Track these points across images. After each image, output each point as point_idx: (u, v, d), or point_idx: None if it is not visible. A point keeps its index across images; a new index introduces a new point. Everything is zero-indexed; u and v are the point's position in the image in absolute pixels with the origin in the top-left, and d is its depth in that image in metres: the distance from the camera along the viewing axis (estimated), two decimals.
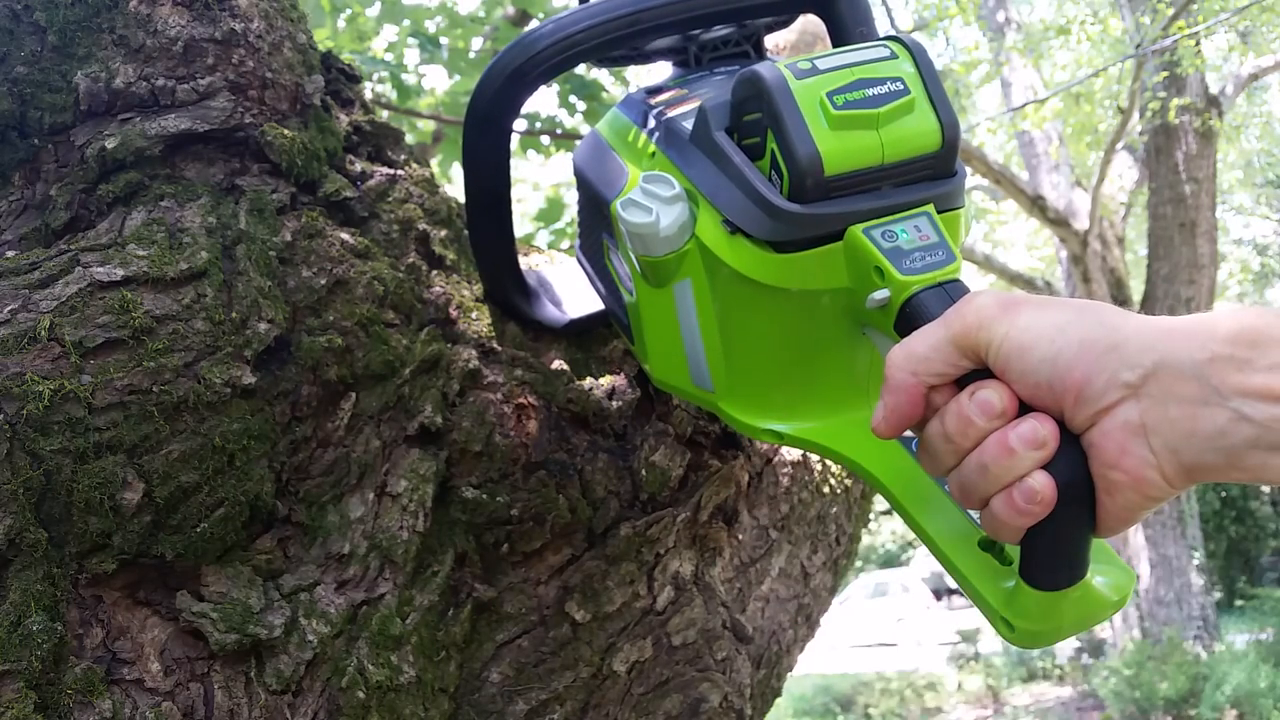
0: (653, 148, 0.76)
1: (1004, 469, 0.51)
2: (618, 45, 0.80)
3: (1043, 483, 0.50)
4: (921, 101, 0.63)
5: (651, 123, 0.77)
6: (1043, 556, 0.53)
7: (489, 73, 0.81)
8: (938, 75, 0.64)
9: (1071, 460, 0.51)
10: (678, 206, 0.68)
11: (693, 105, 0.75)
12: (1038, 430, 0.51)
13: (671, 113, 0.75)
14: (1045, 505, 0.50)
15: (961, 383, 0.55)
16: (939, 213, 0.63)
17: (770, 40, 1.15)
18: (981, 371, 0.54)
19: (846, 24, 0.85)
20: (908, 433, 0.68)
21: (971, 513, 0.62)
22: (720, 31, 0.88)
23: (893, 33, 0.68)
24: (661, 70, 0.92)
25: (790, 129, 0.61)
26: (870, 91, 0.62)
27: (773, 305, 0.67)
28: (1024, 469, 0.51)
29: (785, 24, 0.92)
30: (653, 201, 0.68)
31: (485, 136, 0.83)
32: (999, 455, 0.51)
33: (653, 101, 0.80)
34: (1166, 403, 0.48)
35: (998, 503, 0.52)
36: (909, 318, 0.59)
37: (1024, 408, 0.52)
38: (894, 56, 0.64)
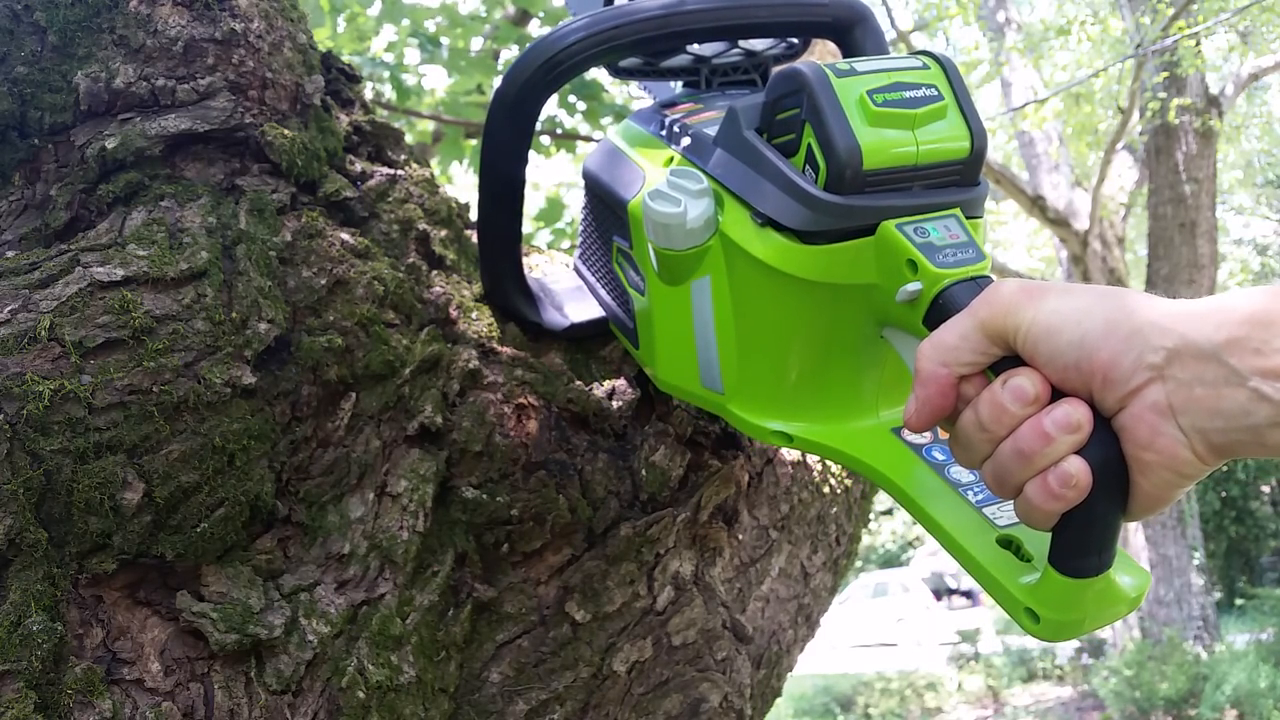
0: (672, 152, 0.78)
1: (1040, 454, 0.52)
2: (648, 45, 0.82)
3: (1078, 467, 0.51)
4: (953, 109, 0.65)
5: (670, 130, 0.79)
6: (1075, 540, 0.54)
7: (521, 61, 0.82)
8: (967, 88, 0.67)
9: (1105, 443, 0.51)
10: (704, 200, 0.70)
11: (712, 115, 0.77)
12: (1071, 414, 0.51)
13: (692, 121, 0.77)
14: (1080, 490, 0.51)
15: (993, 371, 0.56)
16: None
17: None
18: (1011, 359, 0.55)
19: (865, 51, 0.87)
20: (919, 438, 0.69)
21: (988, 512, 0.63)
22: (731, 58, 0.91)
23: (923, 49, 0.71)
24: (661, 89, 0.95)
25: (831, 121, 0.63)
26: (907, 94, 0.64)
27: (794, 300, 0.68)
28: (1060, 454, 0.51)
29: (794, 57, 0.93)
30: (680, 194, 0.70)
31: (511, 122, 0.84)
32: (1034, 440, 0.52)
33: (668, 113, 0.82)
34: (1190, 384, 0.49)
35: (1032, 488, 0.52)
36: (941, 309, 0.60)
37: (1055, 394, 0.53)
38: (926, 67, 0.66)
